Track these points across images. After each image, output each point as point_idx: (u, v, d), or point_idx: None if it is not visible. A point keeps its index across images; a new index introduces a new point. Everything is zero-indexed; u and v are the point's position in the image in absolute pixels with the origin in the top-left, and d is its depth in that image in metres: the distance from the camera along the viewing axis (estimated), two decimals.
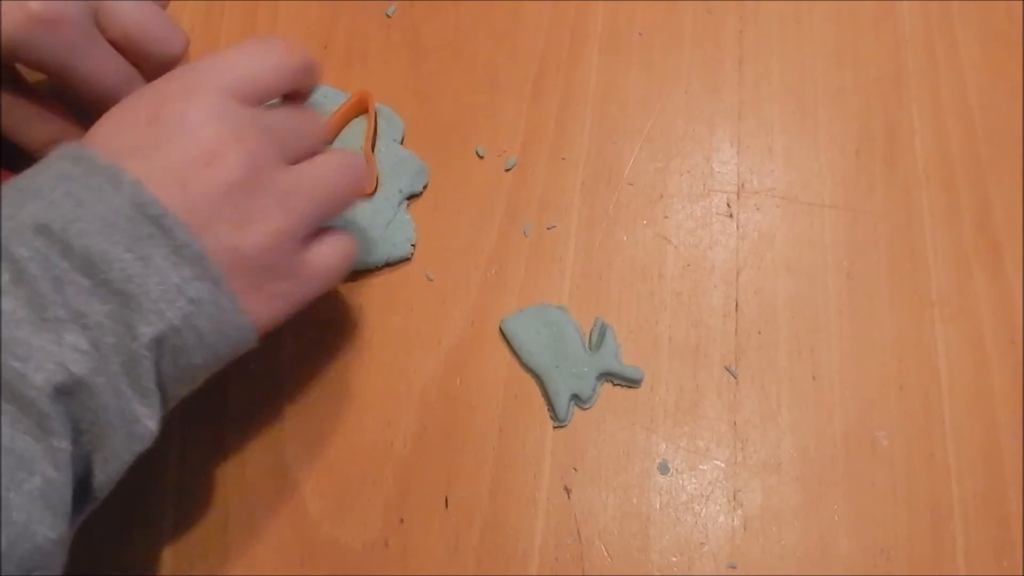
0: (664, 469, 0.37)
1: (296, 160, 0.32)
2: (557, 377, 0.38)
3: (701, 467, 0.37)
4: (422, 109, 0.44)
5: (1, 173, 0.36)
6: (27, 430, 0.25)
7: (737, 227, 0.42)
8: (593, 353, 0.39)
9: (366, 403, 0.38)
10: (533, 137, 0.43)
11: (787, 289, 0.41)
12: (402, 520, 0.37)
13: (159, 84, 0.31)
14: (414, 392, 0.39)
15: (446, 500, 0.37)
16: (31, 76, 0.36)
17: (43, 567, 0.25)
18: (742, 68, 0.45)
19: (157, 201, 0.28)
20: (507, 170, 0.43)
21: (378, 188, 0.41)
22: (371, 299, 0.40)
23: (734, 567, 0.36)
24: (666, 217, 0.42)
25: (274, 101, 0.34)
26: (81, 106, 0.35)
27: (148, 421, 0.28)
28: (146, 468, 0.30)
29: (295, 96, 0.34)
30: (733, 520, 0.37)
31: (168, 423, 0.30)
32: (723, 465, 0.38)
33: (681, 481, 0.37)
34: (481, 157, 0.43)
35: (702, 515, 0.37)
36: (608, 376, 0.39)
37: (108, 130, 0.30)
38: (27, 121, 0.35)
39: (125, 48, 0.35)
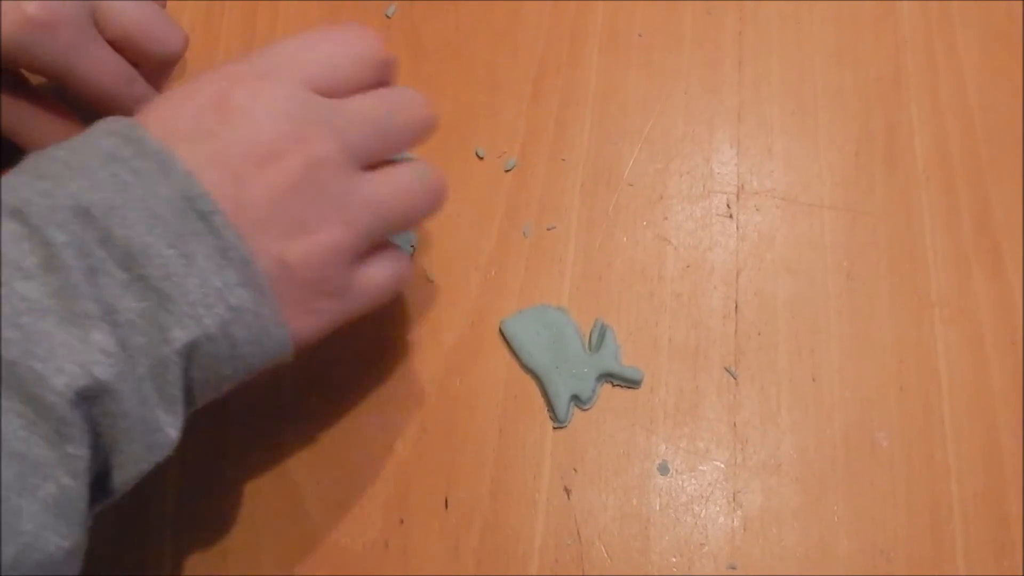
0: (664, 470, 0.37)
1: (377, 160, 0.30)
2: (557, 378, 0.38)
3: (701, 468, 0.37)
4: None
5: (1, 173, 0.36)
6: (43, 435, 0.23)
7: (737, 228, 0.42)
8: (593, 354, 0.39)
9: (366, 404, 0.38)
10: (533, 138, 0.43)
11: (787, 290, 0.41)
12: (402, 521, 0.37)
13: (232, 66, 0.29)
14: (414, 393, 0.39)
15: (446, 501, 0.37)
16: (33, 76, 0.35)
17: None
18: (742, 69, 0.45)
19: (209, 195, 0.26)
20: (507, 171, 0.43)
21: None
22: None
23: (734, 568, 0.36)
24: (666, 218, 0.42)
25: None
26: (82, 106, 0.35)
27: (170, 429, 0.26)
28: None
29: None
30: (733, 521, 0.37)
31: None
32: (723, 466, 0.38)
33: (681, 482, 0.37)
34: (481, 158, 0.43)
35: (702, 516, 0.37)
36: (608, 377, 0.39)
37: (167, 109, 0.28)
38: (28, 121, 0.35)
39: (124, 48, 0.35)
